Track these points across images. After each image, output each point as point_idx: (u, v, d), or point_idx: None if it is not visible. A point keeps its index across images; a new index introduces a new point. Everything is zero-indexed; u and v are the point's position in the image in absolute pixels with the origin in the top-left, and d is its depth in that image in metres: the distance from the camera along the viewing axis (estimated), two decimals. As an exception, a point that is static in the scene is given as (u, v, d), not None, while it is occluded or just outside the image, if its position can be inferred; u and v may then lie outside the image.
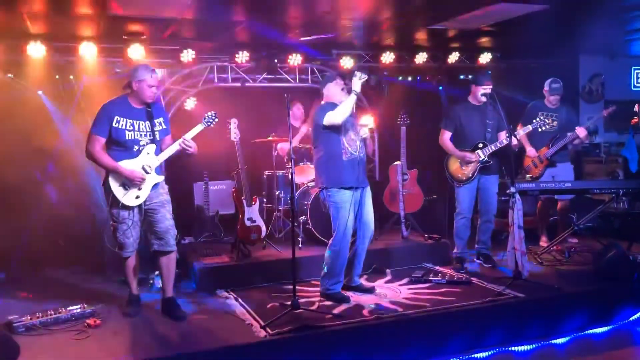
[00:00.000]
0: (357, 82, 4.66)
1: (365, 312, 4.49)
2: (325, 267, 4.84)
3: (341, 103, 4.71)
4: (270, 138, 6.45)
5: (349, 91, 4.75)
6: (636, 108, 8.94)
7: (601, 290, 5.03)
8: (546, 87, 6.27)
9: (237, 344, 3.88)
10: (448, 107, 5.88)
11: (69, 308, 4.45)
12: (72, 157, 6.17)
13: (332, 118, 4.64)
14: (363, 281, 5.22)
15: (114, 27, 5.87)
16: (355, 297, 4.86)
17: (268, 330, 4.07)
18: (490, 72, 7.15)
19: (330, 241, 4.81)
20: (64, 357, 3.76)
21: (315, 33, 6.42)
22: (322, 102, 4.91)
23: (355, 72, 4.69)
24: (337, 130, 4.70)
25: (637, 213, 6.97)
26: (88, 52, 6.07)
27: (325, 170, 4.78)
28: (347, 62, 7.20)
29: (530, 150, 6.24)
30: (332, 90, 4.85)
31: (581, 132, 6.04)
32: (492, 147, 5.53)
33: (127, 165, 4.29)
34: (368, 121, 4.90)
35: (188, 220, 6.76)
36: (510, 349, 4.45)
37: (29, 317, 4.25)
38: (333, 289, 4.83)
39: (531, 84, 7.28)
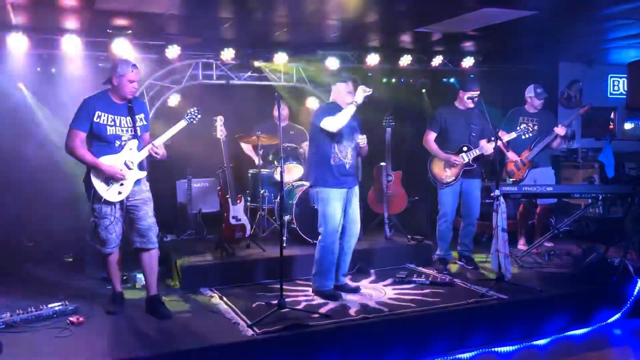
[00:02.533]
0: (361, 94, 4.68)
1: (351, 311, 4.50)
2: (316, 265, 4.87)
3: (342, 111, 4.73)
4: (255, 137, 6.40)
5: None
6: (612, 115, 9.20)
7: (581, 292, 5.14)
8: (531, 93, 6.36)
9: (225, 343, 3.86)
10: (434, 108, 5.92)
11: (50, 305, 4.37)
12: (52, 152, 6.05)
13: (328, 125, 4.69)
14: (348, 281, 5.23)
15: (98, 21, 5.78)
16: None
17: (255, 329, 4.05)
18: (472, 76, 7.25)
19: (319, 238, 4.85)
20: (46, 355, 3.69)
21: (304, 32, 6.42)
22: (328, 101, 4.97)
23: (361, 85, 4.71)
24: (331, 135, 4.74)
25: (613, 217, 7.13)
26: (71, 45, 5.96)
27: (314, 170, 4.87)
28: (332, 63, 7.21)
29: (512, 155, 6.32)
30: (340, 90, 4.88)
31: (560, 130, 6.12)
32: (477, 151, 5.59)
33: (108, 161, 4.24)
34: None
35: (170, 218, 6.69)
36: (493, 349, 4.52)
37: (9, 315, 4.16)
38: (325, 286, 4.87)
39: (511, 89, 7.40)
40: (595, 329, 5.01)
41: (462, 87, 5.72)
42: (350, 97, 4.77)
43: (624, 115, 9.26)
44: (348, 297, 4.90)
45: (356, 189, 5.00)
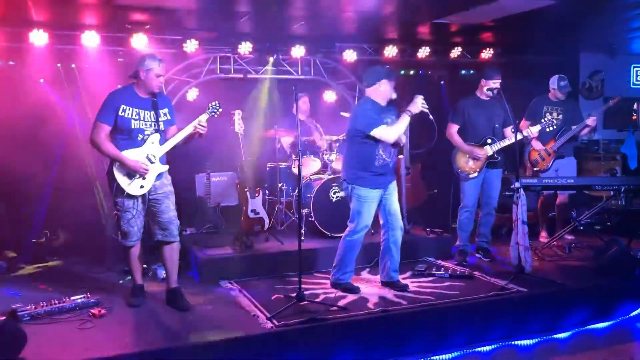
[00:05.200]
0: (419, 106, 4.60)
1: (370, 304, 4.50)
2: (338, 258, 4.85)
3: (396, 122, 4.63)
4: (273, 130, 6.41)
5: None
6: (635, 106, 9.04)
7: (603, 285, 5.07)
8: (554, 85, 6.27)
9: (245, 335, 3.88)
10: (456, 100, 5.86)
11: (73, 297, 4.43)
12: (74, 146, 6.14)
13: (382, 135, 4.58)
14: (367, 275, 5.17)
15: (117, 16, 5.84)
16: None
17: (274, 321, 4.07)
18: (495, 66, 7.17)
19: (346, 232, 4.83)
20: (70, 346, 3.74)
21: (321, 25, 6.40)
22: (364, 98, 4.82)
23: (419, 97, 4.65)
24: (376, 138, 4.63)
25: (636, 210, 7.03)
26: (91, 41, 6.03)
27: (354, 169, 4.76)
28: (349, 55, 7.19)
29: (537, 144, 6.26)
30: (385, 87, 4.70)
31: (591, 121, 6.08)
32: (501, 143, 5.54)
33: (132, 155, 4.28)
34: None
35: (189, 211, 6.73)
36: (513, 343, 4.49)
37: (34, 306, 4.23)
38: (343, 279, 4.86)
39: (530, 81, 7.31)
40: (618, 323, 4.95)
41: (484, 76, 5.64)
42: (394, 94, 4.69)
43: (647, 105, 9.10)
44: (366, 290, 4.88)
45: (394, 183, 4.90)
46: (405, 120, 4.63)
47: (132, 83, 4.39)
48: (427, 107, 4.62)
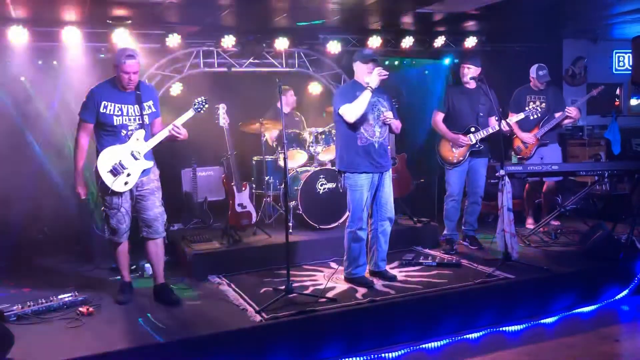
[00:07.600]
0: (376, 77, 4.50)
1: (358, 295, 4.52)
2: (345, 252, 4.84)
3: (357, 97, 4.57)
4: (259, 124, 6.38)
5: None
6: (618, 91, 9.12)
7: (588, 270, 5.15)
8: (533, 75, 6.31)
9: (233, 329, 3.89)
10: (440, 89, 5.90)
11: (60, 296, 4.40)
12: (57, 144, 6.08)
13: (344, 114, 4.56)
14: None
15: (98, 12, 5.77)
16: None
17: (263, 314, 4.07)
18: (473, 53, 7.21)
19: (346, 224, 4.82)
20: (58, 345, 3.71)
21: (305, 16, 6.37)
22: (351, 80, 4.84)
23: (376, 68, 4.55)
24: None
25: (620, 194, 7.10)
26: (72, 37, 5.96)
27: (341, 154, 4.76)
28: (334, 47, 7.17)
29: (525, 136, 6.29)
30: (358, 69, 4.70)
31: (572, 111, 6.11)
32: (484, 132, 5.57)
33: (108, 154, 4.23)
34: None
35: (176, 206, 6.70)
36: (501, 329, 4.52)
37: (20, 306, 4.20)
38: (356, 273, 4.80)
39: (515, 68, 7.34)
40: (603, 306, 5.00)
41: (461, 62, 5.71)
42: (368, 78, 4.57)
43: (630, 91, 9.19)
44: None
45: (389, 173, 4.84)
46: (364, 96, 4.50)
47: (113, 77, 4.33)
48: (385, 74, 4.52)
